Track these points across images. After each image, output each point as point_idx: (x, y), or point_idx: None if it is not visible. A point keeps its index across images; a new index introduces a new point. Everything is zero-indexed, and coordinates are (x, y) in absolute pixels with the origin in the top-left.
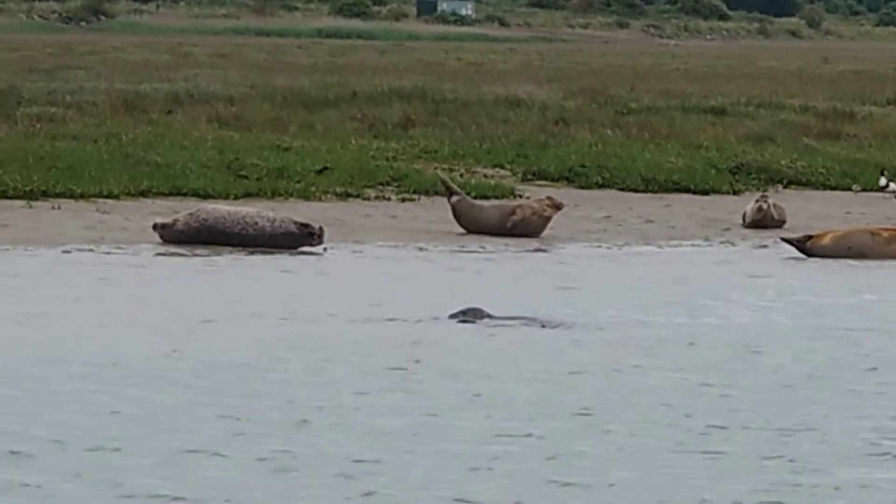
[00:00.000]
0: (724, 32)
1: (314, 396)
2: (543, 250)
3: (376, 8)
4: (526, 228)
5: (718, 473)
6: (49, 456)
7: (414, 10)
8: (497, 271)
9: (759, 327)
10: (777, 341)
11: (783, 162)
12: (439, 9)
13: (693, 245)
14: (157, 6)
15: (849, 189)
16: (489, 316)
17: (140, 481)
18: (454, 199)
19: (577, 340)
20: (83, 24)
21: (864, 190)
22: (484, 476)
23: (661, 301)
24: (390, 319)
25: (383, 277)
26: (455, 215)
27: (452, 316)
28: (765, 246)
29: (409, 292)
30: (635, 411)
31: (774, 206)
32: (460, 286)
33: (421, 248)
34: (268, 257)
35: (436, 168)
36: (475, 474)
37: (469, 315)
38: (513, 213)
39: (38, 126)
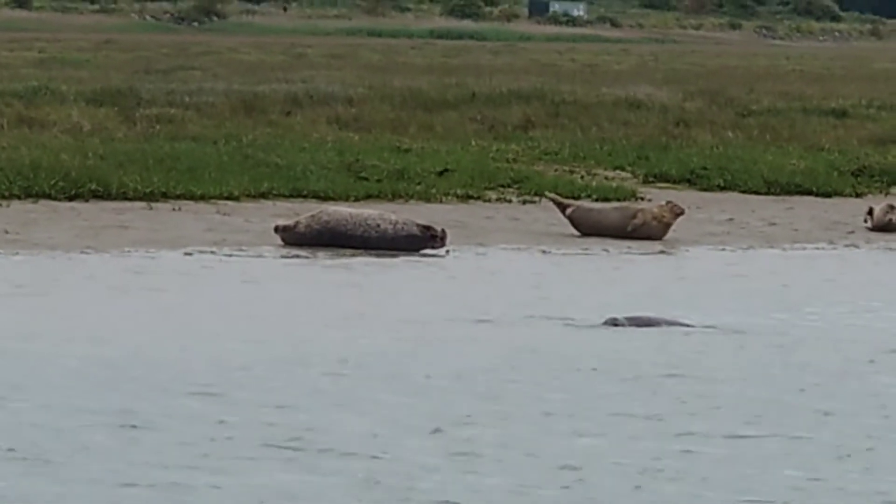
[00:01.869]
0: (837, 34)
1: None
2: (668, 253)
3: (488, 9)
4: (646, 232)
5: None
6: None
7: (525, 11)
8: (637, 273)
9: None
10: None
11: None
12: (551, 10)
13: (817, 248)
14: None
15: None
16: (663, 322)
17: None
18: (569, 210)
19: (780, 345)
20: (195, 24)
21: None
22: None
23: (821, 302)
24: (569, 323)
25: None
26: (574, 225)
27: (612, 321)
28: (891, 249)
29: (565, 294)
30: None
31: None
32: (605, 289)
33: (544, 251)
34: (412, 259)
35: (556, 170)
36: None
37: (634, 320)
38: (634, 216)
39: (158, 127)
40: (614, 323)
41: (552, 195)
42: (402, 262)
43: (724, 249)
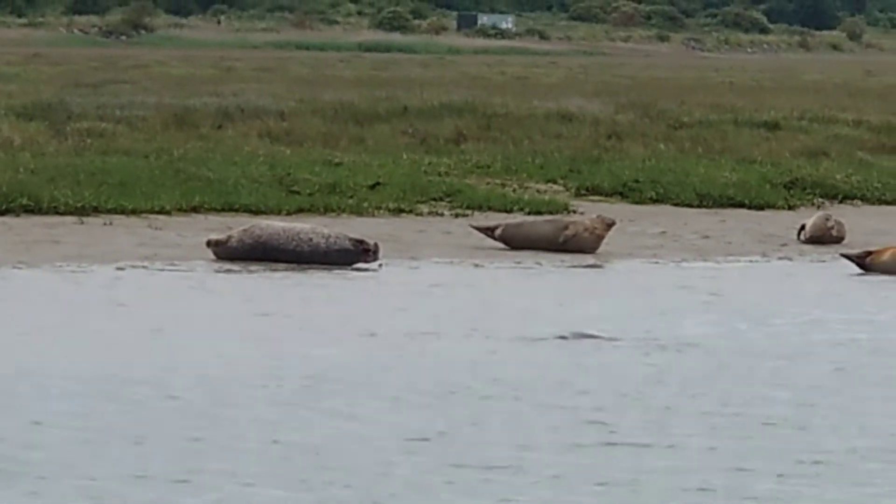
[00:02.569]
0: (765, 46)
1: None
2: (602, 266)
3: (416, 21)
4: (578, 244)
5: None
6: None
7: (454, 24)
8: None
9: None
10: None
11: (838, 177)
12: (479, 22)
13: (751, 261)
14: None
15: None
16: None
17: None
18: (497, 232)
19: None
20: (123, 38)
21: (883, 203)
22: None
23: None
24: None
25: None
26: (506, 244)
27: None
28: (823, 262)
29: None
30: None
31: (836, 221)
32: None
33: (477, 265)
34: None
35: (488, 183)
36: None
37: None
38: (566, 227)
39: (89, 141)
40: (569, 337)
41: (475, 224)
42: (337, 276)
43: (657, 262)
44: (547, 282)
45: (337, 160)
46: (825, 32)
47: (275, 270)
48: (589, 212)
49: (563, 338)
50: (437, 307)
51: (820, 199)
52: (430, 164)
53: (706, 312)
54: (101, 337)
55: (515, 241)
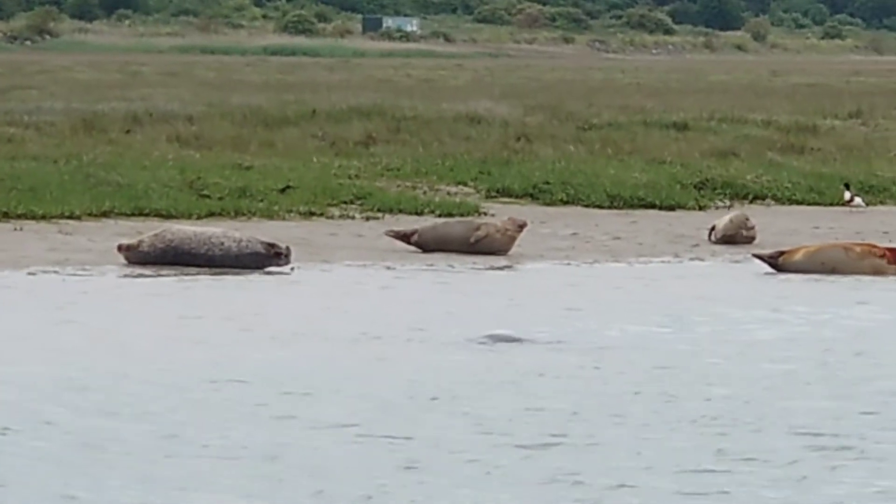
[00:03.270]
0: (670, 47)
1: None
2: (514, 268)
3: (321, 25)
4: (490, 246)
5: None
6: None
7: (359, 27)
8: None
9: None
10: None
11: (748, 177)
12: (384, 25)
13: (663, 262)
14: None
15: (816, 204)
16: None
17: None
18: (413, 238)
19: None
20: (28, 43)
21: (813, 204)
22: None
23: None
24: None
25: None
26: (422, 248)
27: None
28: (737, 262)
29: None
30: None
31: (746, 220)
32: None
33: (389, 268)
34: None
35: (398, 186)
36: None
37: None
38: (478, 229)
39: None
40: (488, 340)
41: (391, 231)
42: (251, 280)
43: (569, 264)
44: (463, 284)
45: (247, 164)
46: (730, 33)
47: (186, 275)
48: (500, 214)
49: (483, 341)
50: (353, 311)
51: (728, 201)
52: (340, 167)
53: (623, 314)
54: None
55: (430, 244)
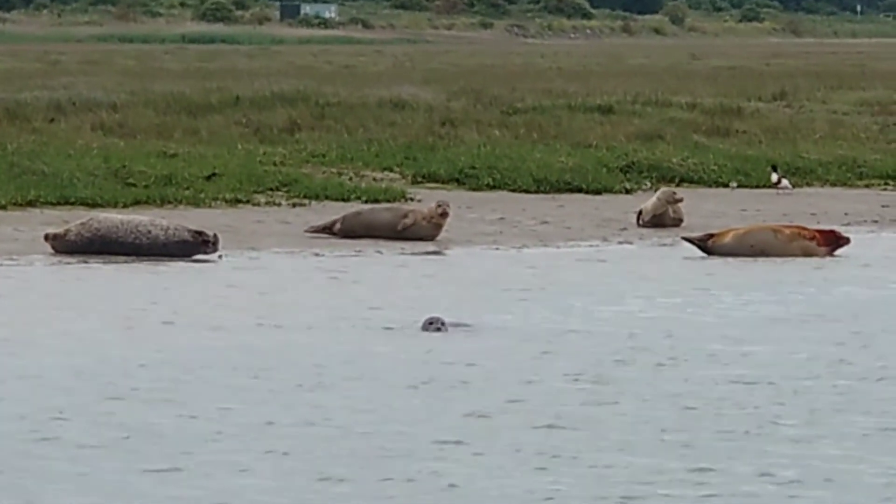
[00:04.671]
0: (588, 31)
1: None
2: (442, 253)
3: (239, 12)
4: (417, 233)
5: None
6: None
7: (277, 14)
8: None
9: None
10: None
11: (674, 160)
12: (302, 12)
13: (591, 245)
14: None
15: (739, 186)
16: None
17: None
18: (336, 227)
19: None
20: None
21: (740, 186)
22: None
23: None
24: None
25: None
26: (348, 236)
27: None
28: (665, 245)
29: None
30: None
31: (674, 193)
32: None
33: (317, 254)
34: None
35: (324, 172)
36: None
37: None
38: (405, 216)
39: None
40: (432, 326)
41: (311, 227)
42: (181, 268)
43: (497, 249)
44: (393, 270)
45: (171, 152)
46: (648, 17)
47: (114, 263)
48: (427, 199)
49: (428, 326)
50: (290, 298)
51: (650, 183)
52: (265, 154)
53: (556, 298)
54: None
55: (357, 230)
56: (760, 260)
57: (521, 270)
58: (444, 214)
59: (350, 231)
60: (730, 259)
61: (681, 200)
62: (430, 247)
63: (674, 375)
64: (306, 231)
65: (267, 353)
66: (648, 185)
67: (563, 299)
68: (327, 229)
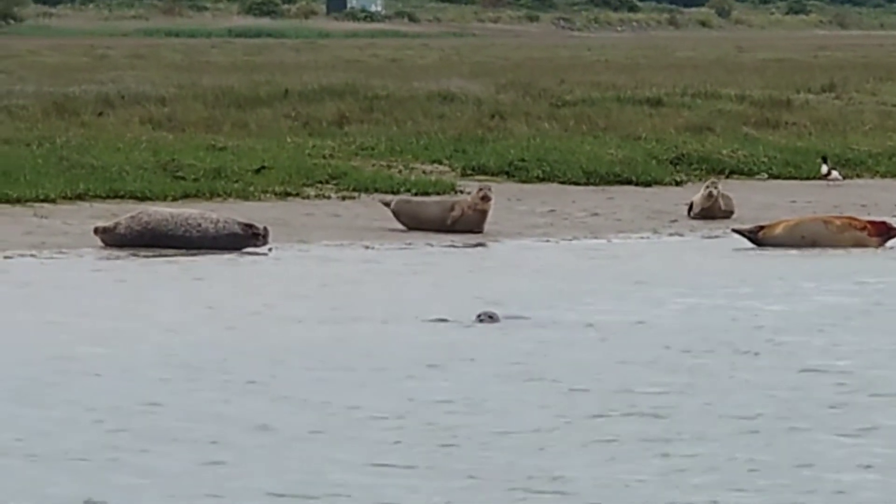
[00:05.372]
0: (634, 24)
1: None
2: (493, 246)
3: (286, 6)
4: (465, 224)
5: None
6: None
7: (323, 8)
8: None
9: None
10: None
11: (724, 152)
12: (349, 5)
13: (643, 237)
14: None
15: (793, 178)
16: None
17: None
18: (393, 203)
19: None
20: None
21: (790, 178)
22: None
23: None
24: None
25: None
26: (398, 218)
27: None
28: (716, 237)
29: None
30: None
31: (722, 195)
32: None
33: (367, 247)
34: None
35: (373, 165)
36: None
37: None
38: (452, 208)
39: None
40: (489, 318)
41: (379, 198)
42: (239, 261)
43: (548, 241)
44: (446, 263)
45: (220, 145)
46: (694, 9)
47: (163, 256)
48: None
49: (486, 319)
50: (346, 292)
51: (706, 174)
52: (314, 147)
53: (619, 291)
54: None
55: (405, 217)
56: (818, 251)
57: (577, 262)
58: (486, 198)
59: (400, 214)
60: (787, 251)
61: (715, 195)
62: (480, 238)
63: (770, 365)
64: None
65: (360, 344)
66: (692, 177)
67: (632, 291)
68: (387, 203)
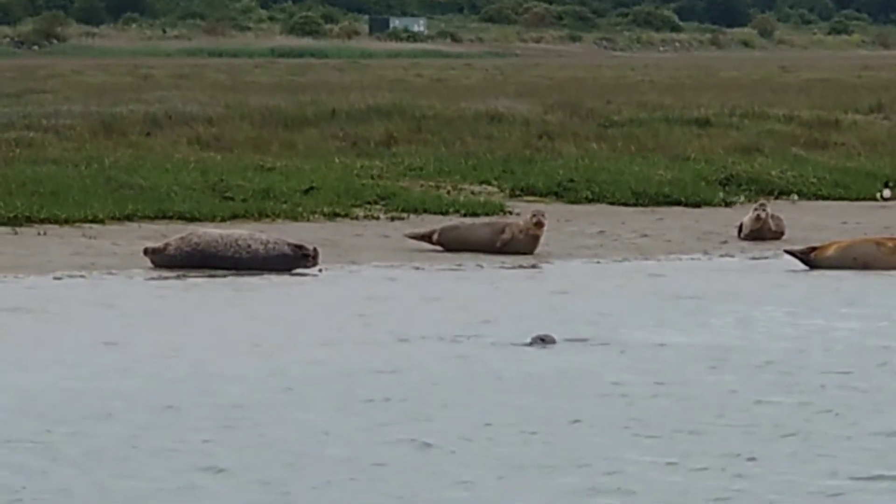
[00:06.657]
0: (677, 44)
1: None
2: (543, 267)
3: (328, 26)
4: (515, 247)
5: None
6: None
7: (366, 28)
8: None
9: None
10: None
11: (773, 172)
12: (391, 26)
13: (693, 259)
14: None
15: (843, 199)
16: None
17: None
18: (434, 236)
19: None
20: (35, 47)
21: (841, 199)
22: None
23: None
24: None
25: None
26: (445, 248)
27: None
28: (766, 258)
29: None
30: None
31: (772, 216)
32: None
33: (417, 268)
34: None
35: (422, 186)
36: None
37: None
38: (502, 231)
39: (17, 151)
40: (542, 340)
41: (410, 233)
42: (289, 282)
43: (598, 262)
44: (496, 285)
45: (269, 165)
46: (736, 30)
47: (214, 276)
48: (525, 213)
49: (531, 342)
50: (395, 312)
51: (756, 195)
52: (362, 167)
53: (673, 313)
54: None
55: (452, 244)
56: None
57: (630, 283)
58: (540, 224)
59: (447, 243)
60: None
61: (763, 218)
62: (531, 260)
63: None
64: (405, 235)
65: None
66: (741, 199)
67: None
68: (426, 238)
